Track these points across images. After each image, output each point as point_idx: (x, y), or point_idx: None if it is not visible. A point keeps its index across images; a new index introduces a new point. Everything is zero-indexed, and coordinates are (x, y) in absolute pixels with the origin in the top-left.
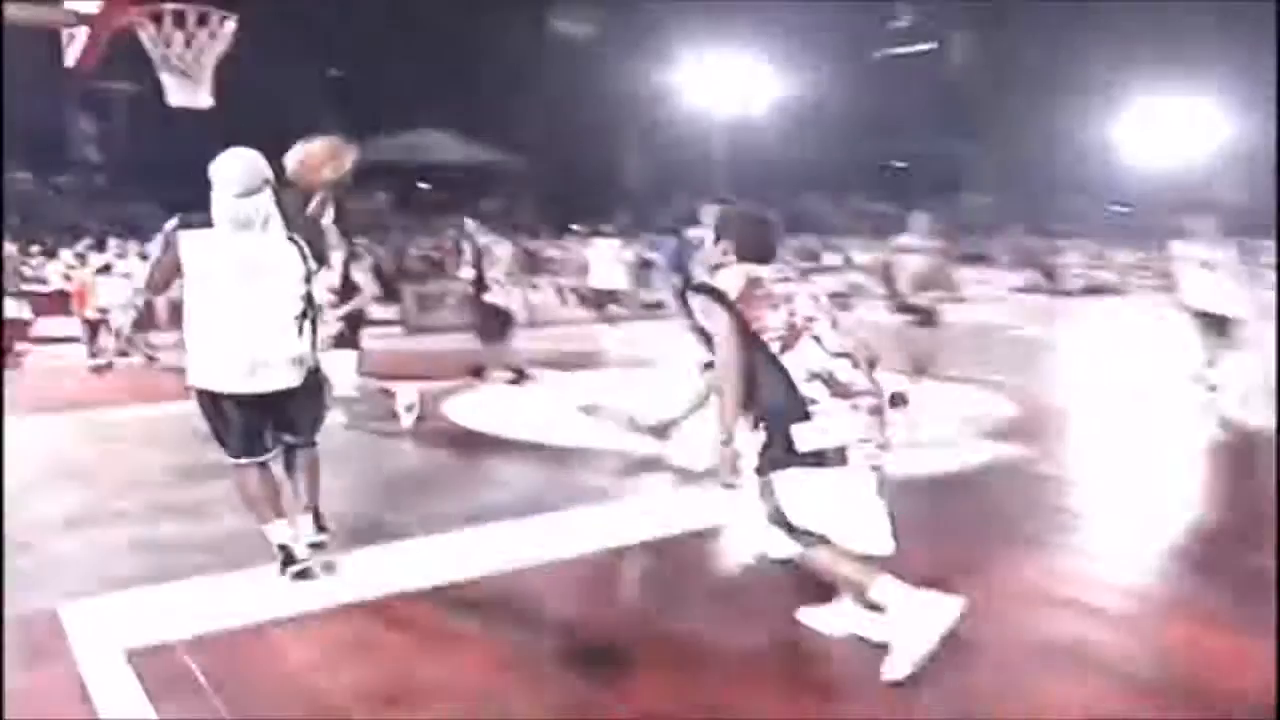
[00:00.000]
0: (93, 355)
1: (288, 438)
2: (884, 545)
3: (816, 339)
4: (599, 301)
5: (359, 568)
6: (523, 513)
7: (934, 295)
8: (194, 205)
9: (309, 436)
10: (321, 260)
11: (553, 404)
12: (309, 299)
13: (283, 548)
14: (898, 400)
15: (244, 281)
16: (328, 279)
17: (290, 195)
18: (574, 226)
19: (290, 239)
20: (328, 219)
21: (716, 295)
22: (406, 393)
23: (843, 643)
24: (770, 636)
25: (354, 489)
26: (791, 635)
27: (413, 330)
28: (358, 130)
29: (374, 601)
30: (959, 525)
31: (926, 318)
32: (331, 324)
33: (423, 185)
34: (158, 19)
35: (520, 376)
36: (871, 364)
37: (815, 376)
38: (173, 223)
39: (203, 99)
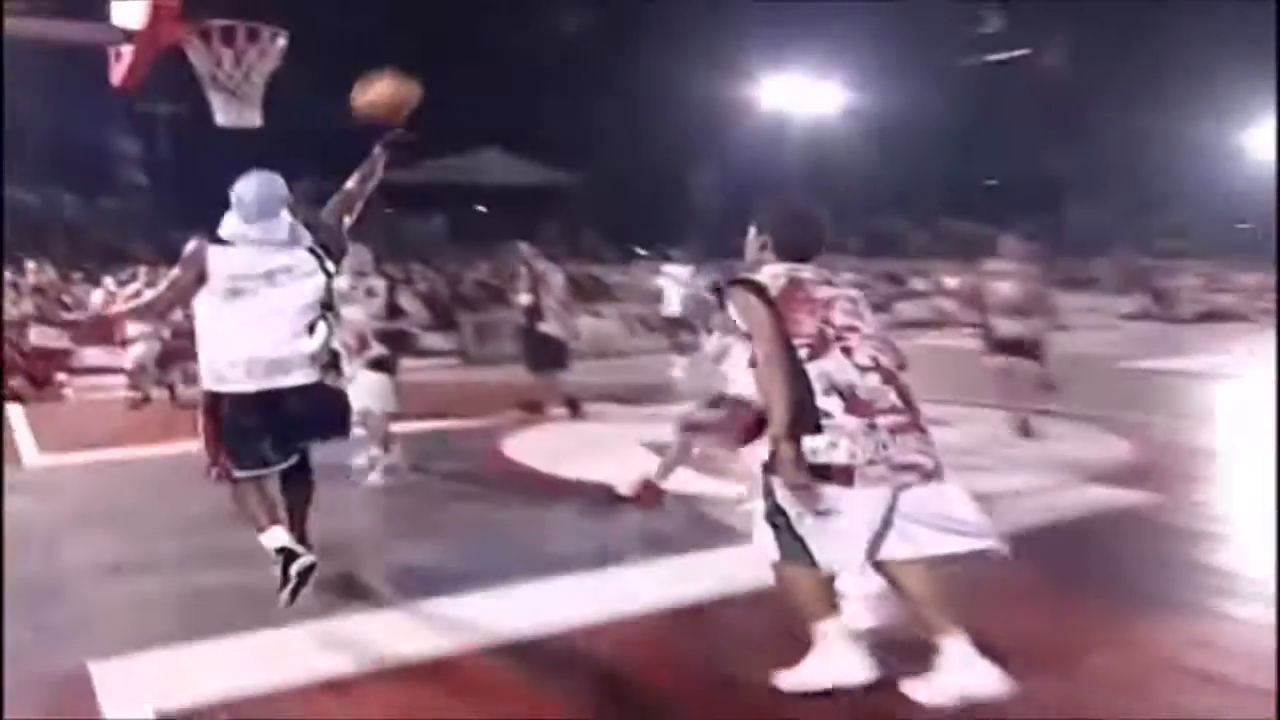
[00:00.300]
0: (132, 388)
1: (298, 445)
2: (851, 566)
3: (846, 350)
4: (671, 331)
5: (411, 624)
6: (586, 564)
7: (1032, 325)
8: None
9: (323, 438)
10: (339, 259)
11: (618, 441)
12: (327, 301)
13: (282, 550)
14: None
15: (263, 290)
16: (373, 305)
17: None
18: (640, 250)
19: (310, 249)
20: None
21: (758, 290)
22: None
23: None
24: (852, 701)
25: (402, 535)
26: (878, 702)
27: (471, 361)
28: (412, 151)
29: (428, 662)
30: (1074, 583)
31: (1026, 348)
32: (373, 348)
33: (480, 208)
34: (206, 36)
35: (575, 410)
36: (900, 368)
37: (834, 389)
38: (194, 242)
39: (252, 118)
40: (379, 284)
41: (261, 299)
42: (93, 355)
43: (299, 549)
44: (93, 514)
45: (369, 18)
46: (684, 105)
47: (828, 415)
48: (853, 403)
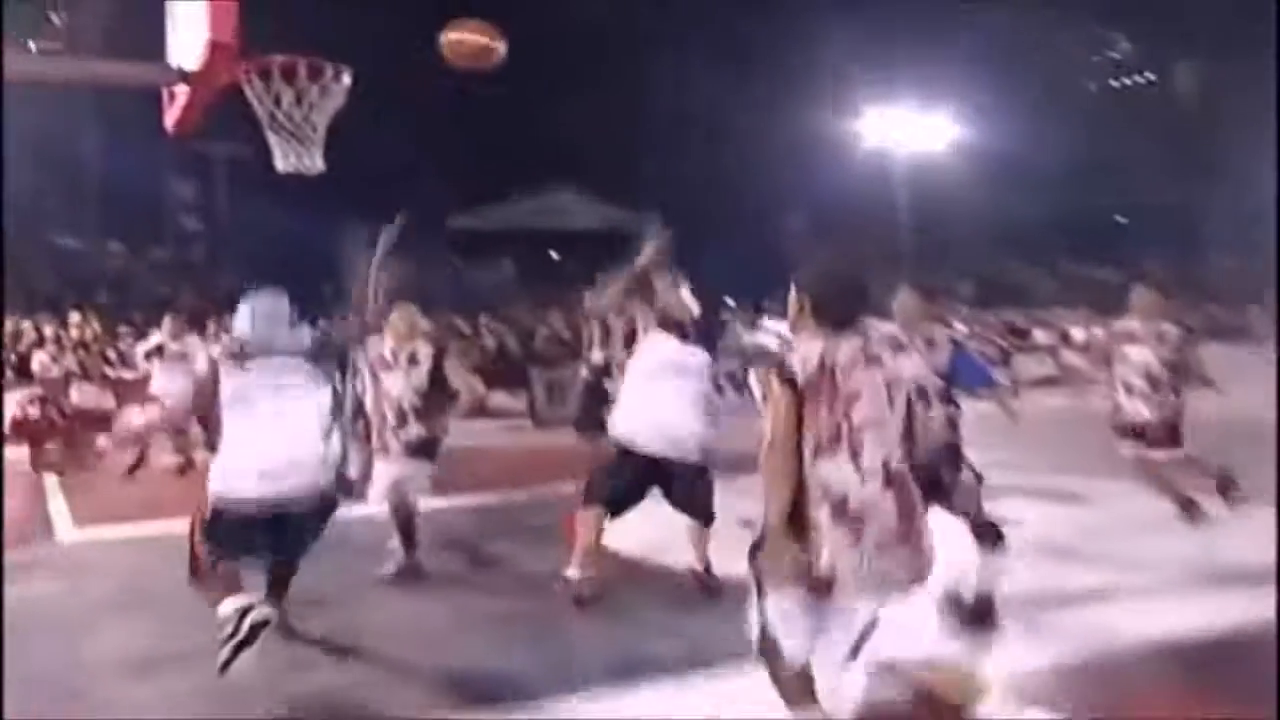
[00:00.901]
0: (177, 451)
1: (279, 557)
2: (820, 670)
3: (855, 451)
4: None
5: None
6: (678, 668)
7: (1171, 403)
8: (295, 280)
9: (299, 555)
10: (347, 373)
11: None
12: (337, 411)
13: (239, 609)
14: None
15: (272, 400)
16: (415, 375)
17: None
18: (729, 301)
19: (318, 360)
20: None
21: (784, 375)
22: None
23: None
24: None
25: (464, 631)
26: None
27: (543, 423)
28: (480, 193)
29: None
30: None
31: (1164, 433)
32: (411, 426)
33: (553, 254)
34: (266, 74)
35: None
36: (913, 465)
37: (827, 498)
38: (215, 349)
39: (313, 162)
40: (424, 350)
41: (271, 409)
42: (137, 415)
43: (255, 603)
44: (126, 599)
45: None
46: (778, 142)
47: (815, 526)
48: (842, 514)
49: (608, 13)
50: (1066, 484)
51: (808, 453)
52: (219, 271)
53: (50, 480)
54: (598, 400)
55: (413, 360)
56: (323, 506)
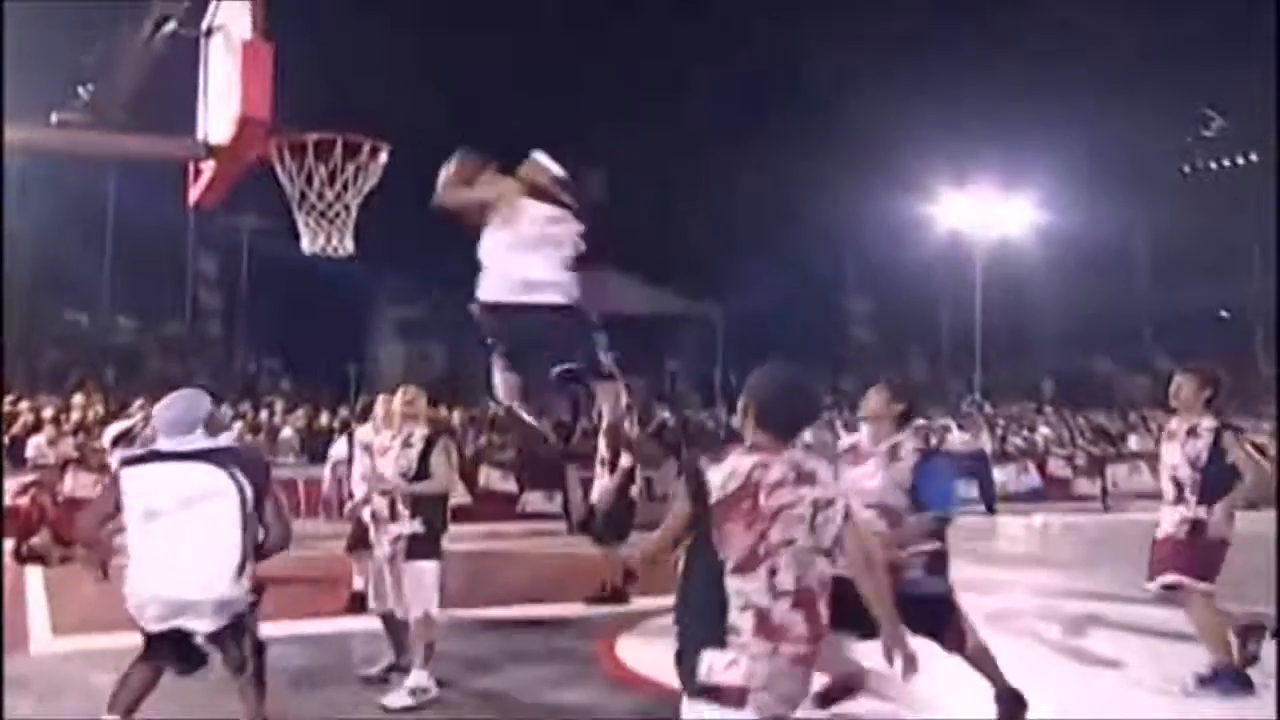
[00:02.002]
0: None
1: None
2: None
3: (773, 570)
4: None
5: None
6: None
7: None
8: (319, 363)
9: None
10: (261, 493)
11: None
12: (248, 537)
13: None
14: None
15: (179, 516)
16: (403, 460)
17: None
18: None
19: (229, 472)
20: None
21: (697, 487)
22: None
23: None
24: None
25: None
26: None
27: (577, 527)
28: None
29: None
30: None
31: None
32: (404, 521)
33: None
34: (298, 150)
35: (622, 586)
36: (824, 590)
37: (749, 607)
38: (117, 458)
39: (343, 245)
40: (419, 433)
41: (176, 528)
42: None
43: None
44: None
45: (469, 115)
46: (846, 225)
47: (736, 632)
48: (765, 626)
49: (661, 85)
50: (1171, 618)
51: (727, 567)
52: (236, 350)
53: (34, 576)
54: (624, 506)
55: (407, 444)
56: (233, 624)
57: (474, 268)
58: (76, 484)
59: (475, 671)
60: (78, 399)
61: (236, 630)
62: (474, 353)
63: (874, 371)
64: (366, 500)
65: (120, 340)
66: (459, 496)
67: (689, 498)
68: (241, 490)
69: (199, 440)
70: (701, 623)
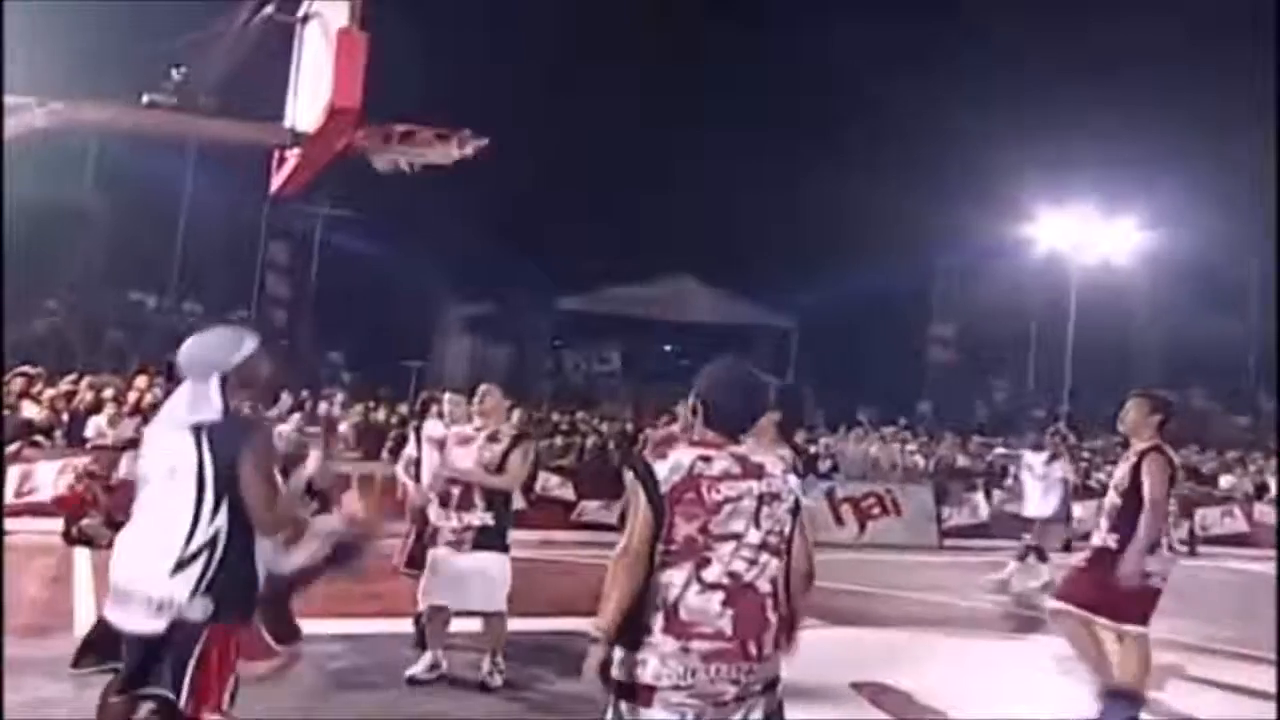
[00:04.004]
0: None
1: (145, 690)
2: None
3: (703, 562)
4: (1033, 530)
5: None
6: None
7: None
8: (382, 358)
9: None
10: (233, 470)
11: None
12: (202, 526)
13: None
14: None
15: (155, 487)
16: (486, 453)
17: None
18: (861, 417)
19: (196, 440)
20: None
21: (647, 481)
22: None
23: None
24: None
25: None
26: None
27: None
28: (593, 275)
29: None
30: None
31: None
32: (478, 511)
33: (666, 347)
34: (387, 139)
35: None
36: (777, 587)
37: (662, 605)
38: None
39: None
40: (507, 430)
41: (150, 501)
42: None
43: None
44: None
45: (554, 118)
46: (936, 244)
47: (646, 630)
48: (671, 621)
49: (749, 96)
50: (1254, 673)
51: (659, 562)
52: (300, 339)
53: (83, 558)
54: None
55: (494, 439)
56: (169, 636)
57: (544, 269)
58: (133, 469)
59: (522, 682)
60: (140, 381)
61: (170, 644)
62: (538, 354)
63: (953, 394)
64: (432, 491)
65: (185, 324)
66: (516, 501)
67: (643, 493)
68: (201, 465)
69: (199, 396)
70: (626, 620)
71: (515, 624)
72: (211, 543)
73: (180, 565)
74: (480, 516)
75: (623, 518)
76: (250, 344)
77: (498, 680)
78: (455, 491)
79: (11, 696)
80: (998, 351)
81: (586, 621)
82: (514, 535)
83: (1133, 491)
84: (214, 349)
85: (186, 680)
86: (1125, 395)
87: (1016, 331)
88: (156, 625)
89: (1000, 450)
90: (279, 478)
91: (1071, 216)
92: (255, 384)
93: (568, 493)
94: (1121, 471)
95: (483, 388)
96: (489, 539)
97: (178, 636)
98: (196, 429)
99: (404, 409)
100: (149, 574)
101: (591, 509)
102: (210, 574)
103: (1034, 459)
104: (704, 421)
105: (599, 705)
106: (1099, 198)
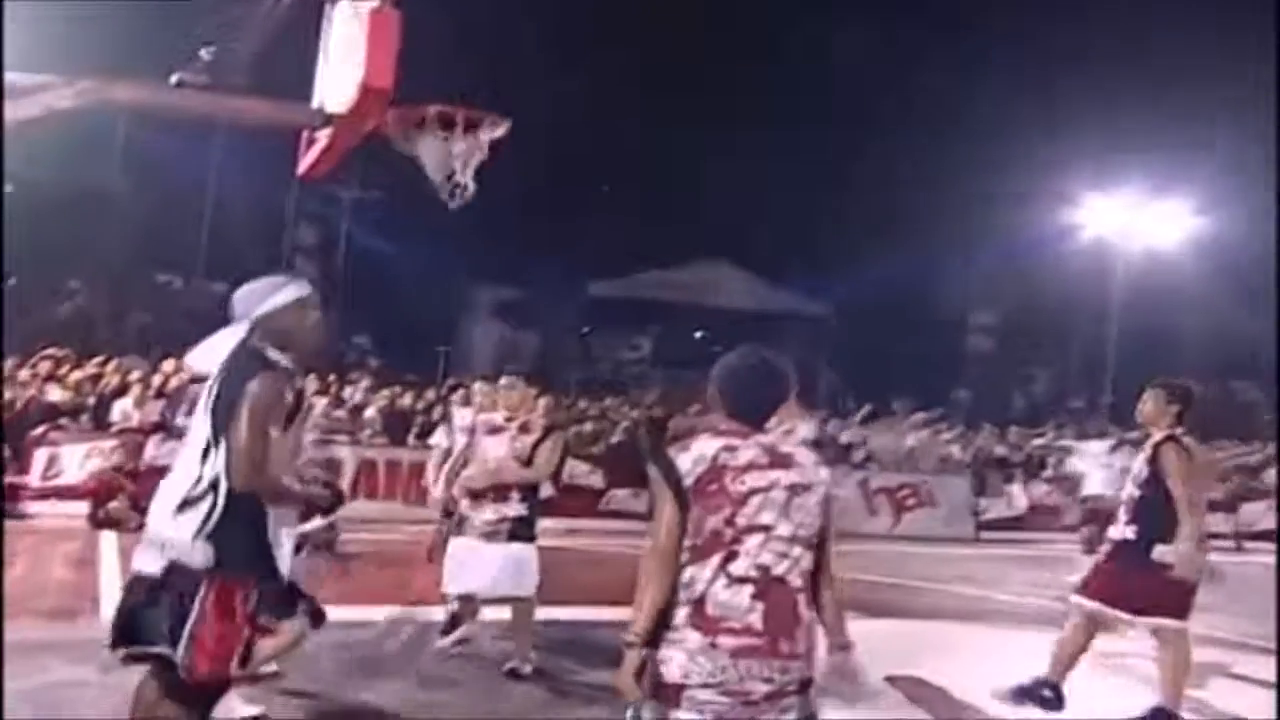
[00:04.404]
0: None
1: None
2: None
3: (730, 555)
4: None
5: None
6: None
7: None
8: (409, 343)
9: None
10: (219, 435)
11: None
12: (207, 468)
13: None
14: None
15: (189, 432)
16: (518, 444)
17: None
18: (895, 405)
19: (209, 384)
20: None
21: (670, 475)
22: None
23: None
24: None
25: None
26: None
27: None
28: (625, 260)
29: None
30: None
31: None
32: (513, 503)
33: (698, 334)
34: (420, 123)
35: None
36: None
37: (688, 600)
38: None
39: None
40: (539, 421)
41: (186, 440)
42: None
43: None
44: None
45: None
46: (977, 228)
47: (674, 627)
48: (697, 616)
49: (788, 76)
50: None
51: (685, 557)
52: (327, 323)
53: (109, 542)
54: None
55: (525, 429)
56: (168, 579)
57: (573, 253)
58: (159, 451)
59: (550, 671)
60: (168, 365)
61: (170, 590)
62: (567, 339)
63: (993, 384)
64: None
65: (212, 306)
66: (545, 490)
67: (667, 488)
68: (212, 410)
69: (225, 336)
70: (660, 621)
71: (542, 613)
72: (214, 485)
73: (184, 505)
74: (516, 508)
75: (653, 508)
76: (283, 297)
77: (528, 668)
78: (489, 485)
79: (39, 679)
80: (1039, 340)
81: (614, 611)
82: (542, 524)
83: (1150, 483)
84: (248, 294)
85: (185, 632)
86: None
87: (1058, 320)
88: (157, 564)
89: (1040, 441)
90: (275, 434)
91: (1118, 202)
92: (278, 338)
93: (596, 480)
94: (1138, 463)
95: (505, 380)
96: (523, 530)
97: (177, 582)
98: (219, 367)
99: (431, 394)
100: (160, 512)
101: (620, 497)
102: (214, 519)
103: (1097, 447)
104: (724, 409)
105: (626, 694)
106: (1147, 182)
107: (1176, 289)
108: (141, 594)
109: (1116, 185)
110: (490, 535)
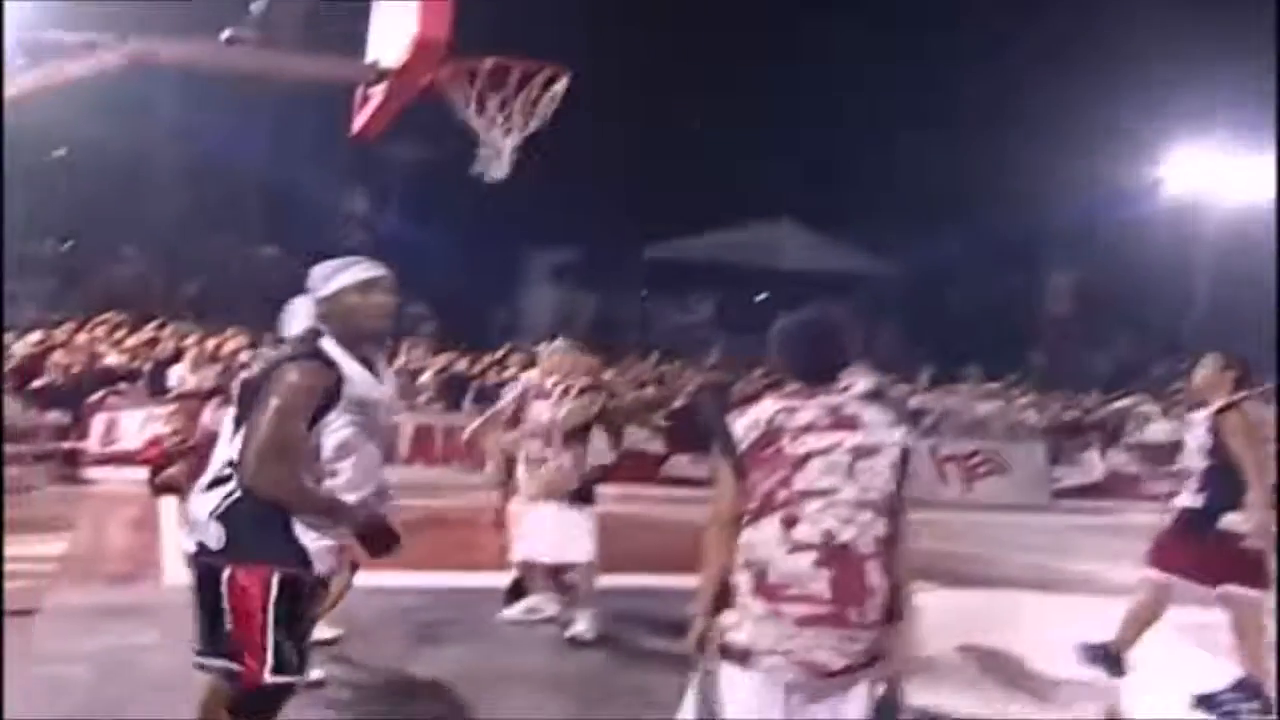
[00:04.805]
0: None
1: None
2: None
3: (789, 520)
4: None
5: None
6: None
7: None
8: (466, 307)
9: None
10: (240, 424)
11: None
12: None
13: None
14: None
15: None
16: (563, 409)
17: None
18: (967, 370)
19: (243, 380)
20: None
21: (726, 441)
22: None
23: None
24: None
25: None
26: None
27: None
28: (682, 222)
29: None
30: None
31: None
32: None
33: (760, 296)
34: (473, 76)
35: None
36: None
37: (750, 565)
38: None
39: (497, 169)
40: (581, 383)
41: None
42: None
43: None
44: None
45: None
46: (1051, 186)
47: (738, 591)
48: (761, 584)
49: (851, 30)
50: None
51: (744, 519)
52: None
53: (169, 508)
54: None
55: (569, 394)
56: (197, 555)
57: (631, 214)
58: (215, 418)
59: (611, 638)
60: (229, 335)
61: (199, 563)
62: (625, 303)
63: (1069, 348)
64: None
65: (266, 270)
66: (598, 456)
67: (723, 454)
68: (242, 386)
69: (292, 315)
70: (724, 588)
71: (604, 580)
72: (234, 466)
73: (213, 483)
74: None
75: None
76: (347, 278)
77: (590, 634)
78: (535, 447)
79: (104, 641)
80: (1118, 302)
81: (676, 579)
82: (601, 490)
83: (1215, 451)
84: (318, 272)
85: (222, 632)
86: (1256, 350)
87: (1139, 281)
88: (191, 544)
89: (1119, 406)
90: (299, 429)
91: (1204, 157)
92: (340, 320)
93: (656, 446)
94: (1199, 432)
95: (550, 346)
96: (575, 492)
97: (202, 568)
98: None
99: (487, 359)
100: (197, 487)
101: (682, 463)
102: (229, 499)
103: (1200, 416)
104: (787, 373)
105: (691, 662)
106: (1236, 137)
107: (1264, 248)
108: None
109: (1204, 140)
110: (538, 498)
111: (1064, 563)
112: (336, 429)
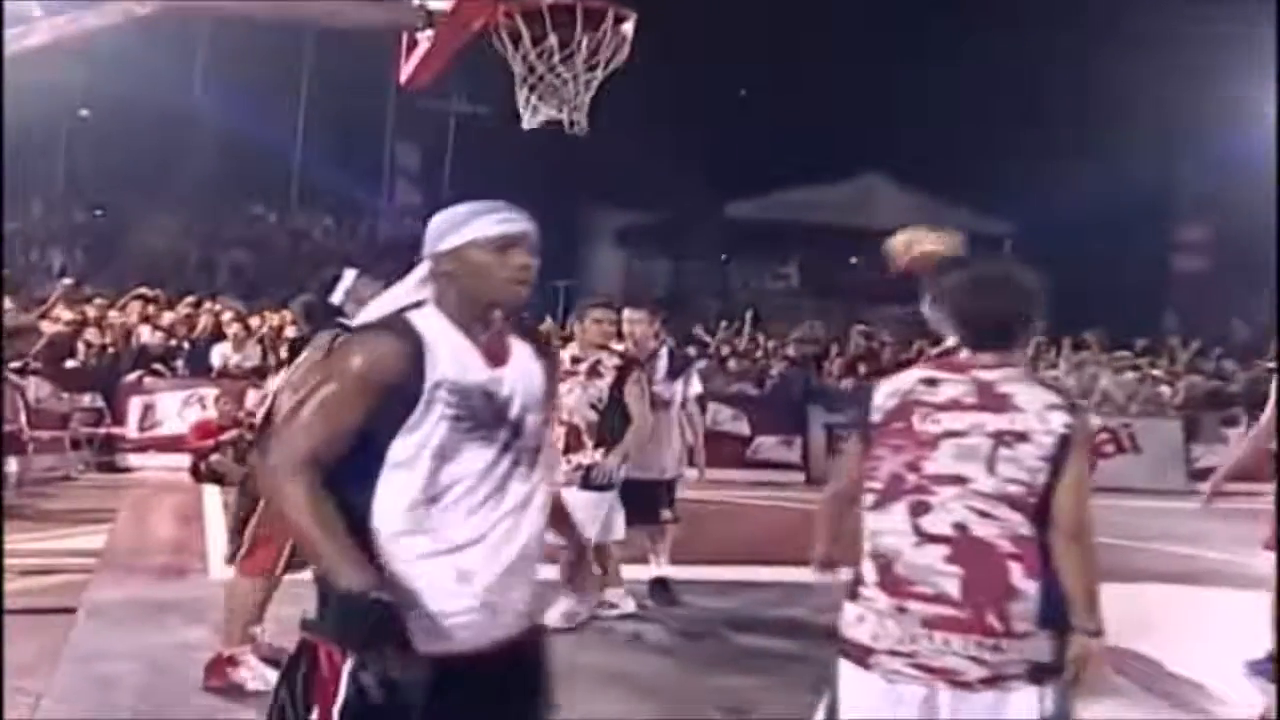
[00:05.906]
0: None
1: None
2: None
3: (920, 506)
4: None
5: None
6: None
7: None
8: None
9: None
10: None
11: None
12: None
13: None
14: None
15: None
16: (591, 390)
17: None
18: (1087, 336)
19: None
20: None
21: (863, 408)
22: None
23: None
24: None
25: None
26: None
27: (817, 480)
28: (767, 178)
29: None
30: None
31: None
32: (587, 451)
33: (853, 259)
34: (530, 17)
35: None
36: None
37: (876, 556)
38: None
39: (576, 119)
40: (610, 361)
41: None
42: None
43: None
44: None
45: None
46: (1188, 129)
47: (862, 582)
48: (886, 576)
49: None
50: None
51: (868, 503)
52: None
53: (213, 496)
54: None
55: (595, 372)
56: None
57: (708, 170)
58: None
59: (692, 638)
60: (285, 314)
61: None
62: (702, 268)
63: (1206, 310)
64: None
65: (310, 239)
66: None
67: (855, 424)
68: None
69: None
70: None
71: (682, 572)
72: None
73: None
74: (590, 456)
75: (806, 456)
76: (471, 231)
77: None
78: (562, 432)
79: (154, 638)
80: (1262, 258)
81: (760, 571)
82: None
83: None
84: (436, 224)
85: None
86: None
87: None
88: None
89: (1259, 374)
90: (345, 420)
91: None
92: (458, 287)
93: (742, 427)
94: None
95: (587, 306)
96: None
97: None
98: None
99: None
100: None
101: (768, 445)
102: None
103: None
104: (953, 332)
105: (778, 659)
106: None
107: None
108: None
109: None
110: (567, 484)
111: (1200, 550)
112: (429, 430)
